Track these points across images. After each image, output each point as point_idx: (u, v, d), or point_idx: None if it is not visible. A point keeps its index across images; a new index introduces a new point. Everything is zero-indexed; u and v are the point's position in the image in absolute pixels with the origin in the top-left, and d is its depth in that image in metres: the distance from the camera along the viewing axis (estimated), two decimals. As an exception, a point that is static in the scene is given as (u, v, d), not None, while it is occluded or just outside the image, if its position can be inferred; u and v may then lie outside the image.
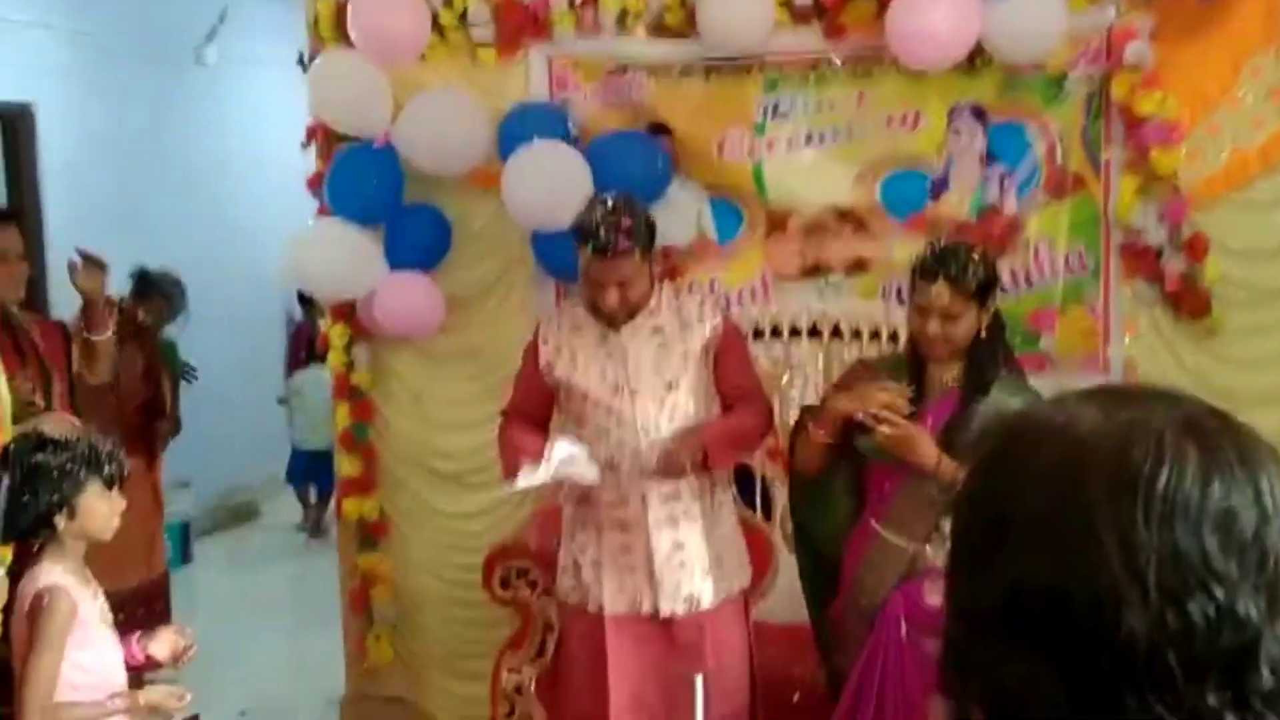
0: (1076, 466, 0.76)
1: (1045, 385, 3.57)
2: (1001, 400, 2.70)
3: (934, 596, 2.70)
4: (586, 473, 2.84)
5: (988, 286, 2.72)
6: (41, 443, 2.49)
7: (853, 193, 3.73)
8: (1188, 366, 3.68)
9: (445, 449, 3.98)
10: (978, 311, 2.72)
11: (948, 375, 2.77)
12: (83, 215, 5.85)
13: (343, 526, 4.11)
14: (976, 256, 2.73)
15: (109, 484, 2.50)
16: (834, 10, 3.61)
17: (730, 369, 2.97)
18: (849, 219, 3.75)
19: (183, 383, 4.88)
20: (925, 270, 2.70)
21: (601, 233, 2.75)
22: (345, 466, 4.04)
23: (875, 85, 3.68)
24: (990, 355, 2.76)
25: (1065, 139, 3.65)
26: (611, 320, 2.89)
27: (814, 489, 2.92)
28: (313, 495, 6.90)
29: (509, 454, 2.97)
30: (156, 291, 4.63)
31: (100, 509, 2.48)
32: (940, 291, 2.67)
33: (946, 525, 2.60)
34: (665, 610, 2.89)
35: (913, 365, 2.80)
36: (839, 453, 2.82)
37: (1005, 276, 3.68)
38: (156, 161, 6.41)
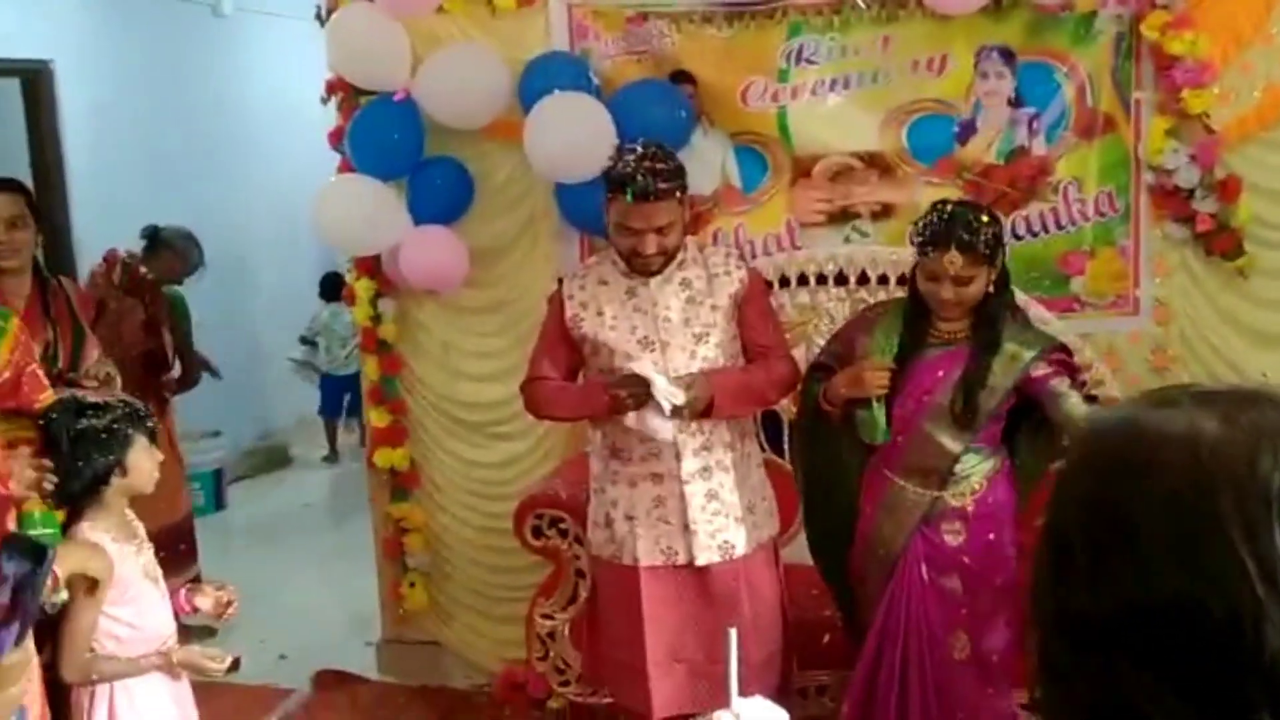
0: (1204, 476, 0.73)
1: (1075, 326, 3.62)
2: (1014, 349, 2.77)
3: (950, 537, 2.83)
4: (661, 427, 2.86)
5: (997, 246, 2.75)
6: (81, 407, 2.53)
7: (879, 138, 3.70)
8: (1219, 307, 3.65)
9: (473, 400, 4.00)
10: (988, 271, 2.75)
11: (954, 326, 2.82)
12: (105, 170, 5.88)
13: (374, 476, 4.15)
14: (985, 218, 2.76)
15: (151, 438, 2.56)
16: (858, -48, 3.55)
17: (754, 322, 2.97)
18: (875, 164, 3.72)
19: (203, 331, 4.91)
20: (936, 238, 2.71)
21: (639, 178, 2.75)
22: (375, 418, 4.07)
23: (901, 29, 3.63)
24: (999, 309, 2.82)
25: (1095, 80, 3.59)
26: (645, 270, 2.88)
27: (823, 436, 2.97)
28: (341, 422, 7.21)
29: (572, 395, 2.96)
30: (165, 247, 4.65)
31: (145, 464, 2.55)
32: (953, 259, 2.70)
33: (960, 467, 2.66)
34: (701, 559, 2.91)
35: (916, 316, 2.83)
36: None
37: (1034, 219, 3.69)
38: (177, 114, 6.40)
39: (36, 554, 1.89)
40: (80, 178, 5.85)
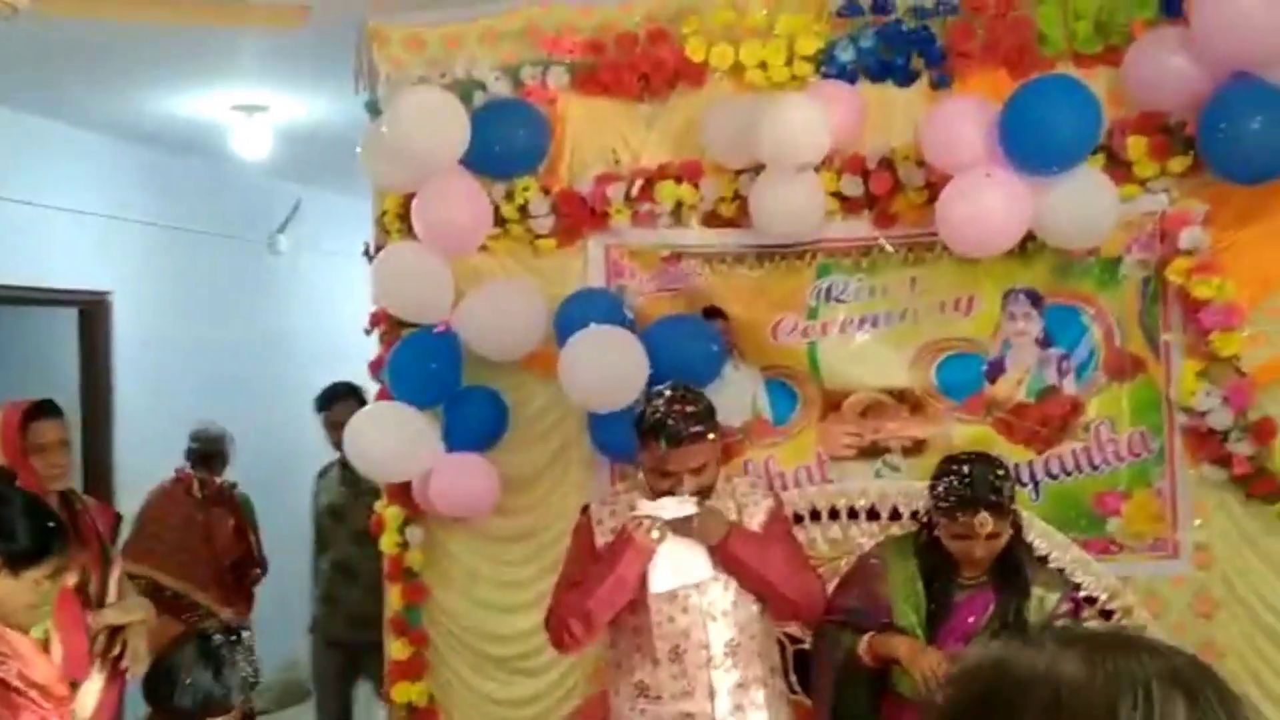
0: (1065, 718, 0.73)
1: (1114, 569, 3.55)
2: (1041, 593, 2.81)
3: None
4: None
5: (1014, 495, 2.83)
6: None
7: (908, 374, 3.73)
8: (1262, 552, 3.57)
9: (498, 632, 3.93)
10: (1011, 520, 2.82)
11: (975, 571, 2.84)
12: (152, 400, 6.02)
13: (392, 713, 4.03)
14: (1002, 471, 2.85)
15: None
16: (884, 199, 3.68)
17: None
18: (905, 400, 3.74)
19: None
20: (964, 502, 2.76)
21: (671, 423, 2.79)
22: (395, 650, 3.99)
23: (928, 270, 3.72)
24: (1021, 553, 2.87)
25: (1122, 322, 3.64)
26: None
27: (861, 685, 2.90)
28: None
29: (598, 569, 2.86)
30: (216, 453, 5.01)
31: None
32: (984, 520, 2.76)
33: None
34: None
35: (942, 565, 2.85)
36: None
37: (1067, 458, 3.67)
38: (226, 346, 6.60)
39: None
40: (127, 407, 5.98)
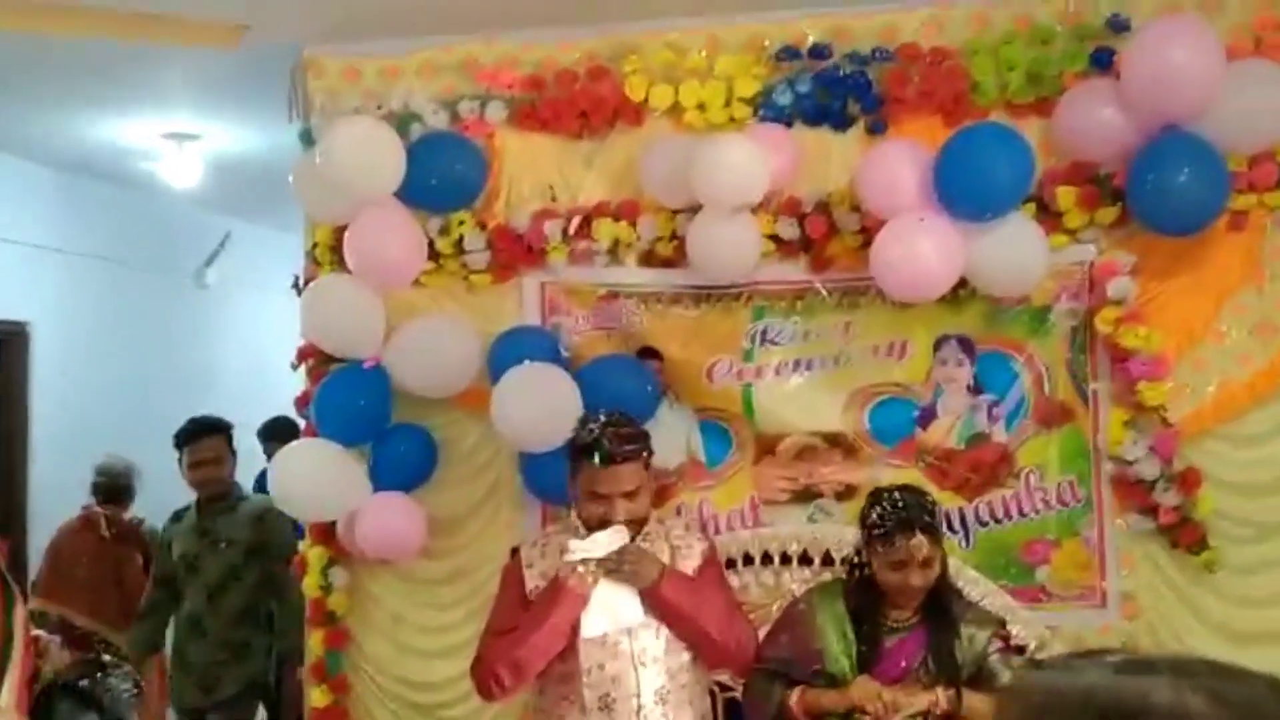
0: None
1: (1043, 618, 3.55)
2: (970, 631, 2.81)
3: None
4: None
5: (942, 522, 2.87)
6: None
7: (841, 419, 3.73)
8: (1188, 602, 3.59)
9: (422, 679, 3.82)
10: (942, 552, 2.82)
11: (904, 614, 2.83)
12: (69, 433, 5.84)
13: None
14: (930, 499, 2.87)
15: None
16: (820, 243, 3.69)
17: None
18: (838, 445, 3.73)
19: None
20: (899, 525, 2.75)
21: (604, 443, 2.76)
22: (316, 697, 3.86)
23: (862, 315, 3.73)
24: (949, 591, 2.88)
25: (1052, 370, 3.67)
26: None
27: None
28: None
29: (531, 617, 2.79)
30: (123, 488, 4.94)
31: None
32: (919, 543, 2.75)
33: None
34: None
35: (869, 607, 2.83)
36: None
37: (997, 505, 3.68)
38: (149, 379, 6.44)
39: None
40: (44, 440, 5.80)
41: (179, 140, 5.45)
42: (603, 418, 2.84)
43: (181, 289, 6.90)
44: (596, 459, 2.75)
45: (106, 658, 2.51)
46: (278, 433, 4.85)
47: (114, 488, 4.92)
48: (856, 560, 2.89)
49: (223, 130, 5.36)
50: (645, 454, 2.84)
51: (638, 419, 3.04)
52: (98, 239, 6.29)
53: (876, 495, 2.87)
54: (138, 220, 6.50)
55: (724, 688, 3.35)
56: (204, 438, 4.58)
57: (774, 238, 3.69)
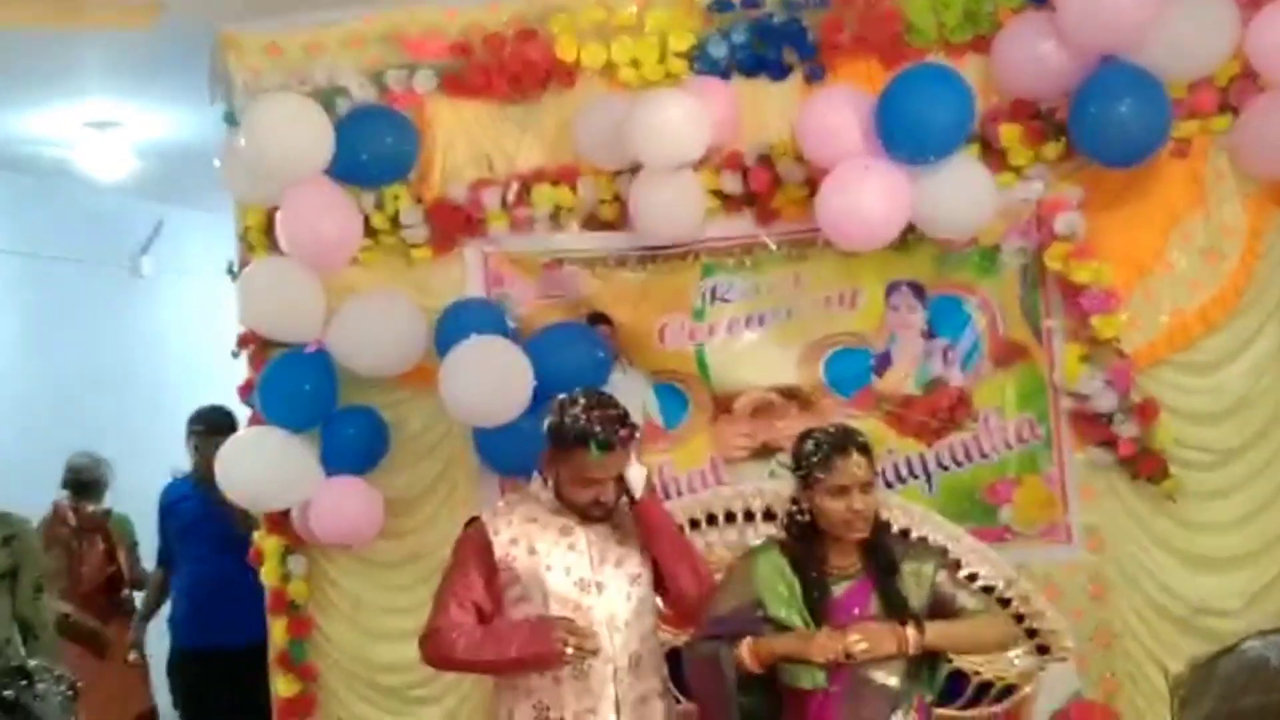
0: None
1: (1009, 557, 3.54)
2: (914, 567, 2.78)
3: None
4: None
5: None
6: None
7: (797, 372, 3.69)
8: (1151, 532, 3.60)
9: (387, 661, 3.77)
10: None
11: (846, 561, 2.79)
12: (19, 435, 5.70)
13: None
14: (857, 429, 2.89)
15: None
16: (764, 196, 3.63)
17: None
18: (795, 398, 3.70)
19: None
20: (834, 448, 2.74)
21: (600, 429, 2.72)
22: (282, 687, 3.81)
23: (811, 266, 3.68)
24: (885, 531, 2.86)
25: (1004, 310, 3.65)
26: (599, 517, 2.82)
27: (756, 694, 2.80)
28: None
29: (518, 632, 2.76)
30: (92, 481, 5.01)
31: None
32: (859, 461, 2.73)
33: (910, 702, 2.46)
34: None
35: (809, 557, 2.79)
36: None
37: (957, 448, 3.66)
38: (88, 373, 6.30)
39: None
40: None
41: (100, 128, 5.29)
42: (583, 400, 2.79)
43: (117, 280, 6.73)
44: (594, 448, 2.71)
45: (32, 662, 2.44)
46: (208, 423, 4.73)
47: (83, 481, 5.02)
48: (793, 509, 2.83)
49: (147, 116, 5.21)
50: (635, 433, 2.83)
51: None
52: (27, 235, 6.12)
53: (804, 434, 2.86)
54: (66, 213, 6.32)
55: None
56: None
57: (718, 193, 3.63)
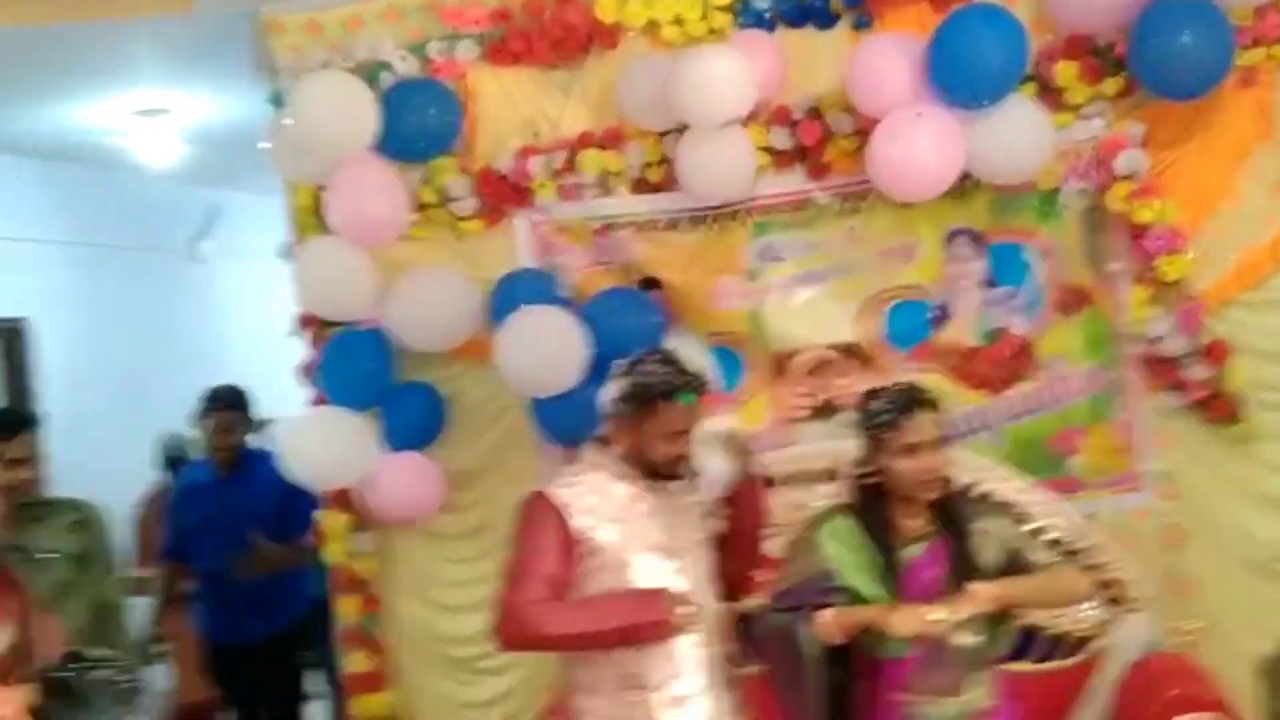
0: None
1: (1079, 508, 3.47)
2: (982, 525, 2.74)
3: None
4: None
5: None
6: None
7: (855, 329, 3.63)
8: (1226, 476, 3.51)
9: (456, 634, 3.79)
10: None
11: (915, 523, 2.75)
12: (81, 421, 5.81)
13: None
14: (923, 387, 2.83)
15: None
16: (815, 150, 3.56)
17: None
18: (854, 355, 3.64)
19: None
20: (904, 405, 2.70)
21: (683, 380, 2.69)
22: (355, 663, 3.85)
23: (865, 219, 3.61)
24: (953, 492, 2.80)
25: (1067, 254, 3.56)
26: (673, 474, 2.74)
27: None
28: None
29: (623, 603, 2.66)
30: (183, 458, 5.29)
31: None
32: (928, 418, 2.71)
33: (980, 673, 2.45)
34: None
35: (880, 524, 2.75)
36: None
37: (1024, 400, 3.59)
38: (153, 360, 6.41)
39: None
40: (58, 429, 5.77)
41: (150, 116, 5.34)
42: (655, 355, 2.76)
43: (175, 266, 6.82)
44: (683, 397, 2.67)
45: (95, 651, 2.46)
46: (226, 400, 4.70)
47: (177, 458, 5.34)
48: (860, 472, 2.79)
49: (194, 102, 5.25)
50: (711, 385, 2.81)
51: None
52: (85, 226, 6.23)
53: (870, 393, 2.82)
54: (121, 202, 6.42)
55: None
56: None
57: (767, 150, 3.57)
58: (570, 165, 3.69)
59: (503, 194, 3.72)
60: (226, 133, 5.64)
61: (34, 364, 5.84)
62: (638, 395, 2.71)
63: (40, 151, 5.76)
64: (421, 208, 3.74)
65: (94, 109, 5.22)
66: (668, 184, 3.65)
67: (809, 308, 3.67)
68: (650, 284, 3.70)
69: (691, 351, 2.88)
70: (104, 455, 5.51)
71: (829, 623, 2.67)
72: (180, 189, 6.75)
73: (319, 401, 3.83)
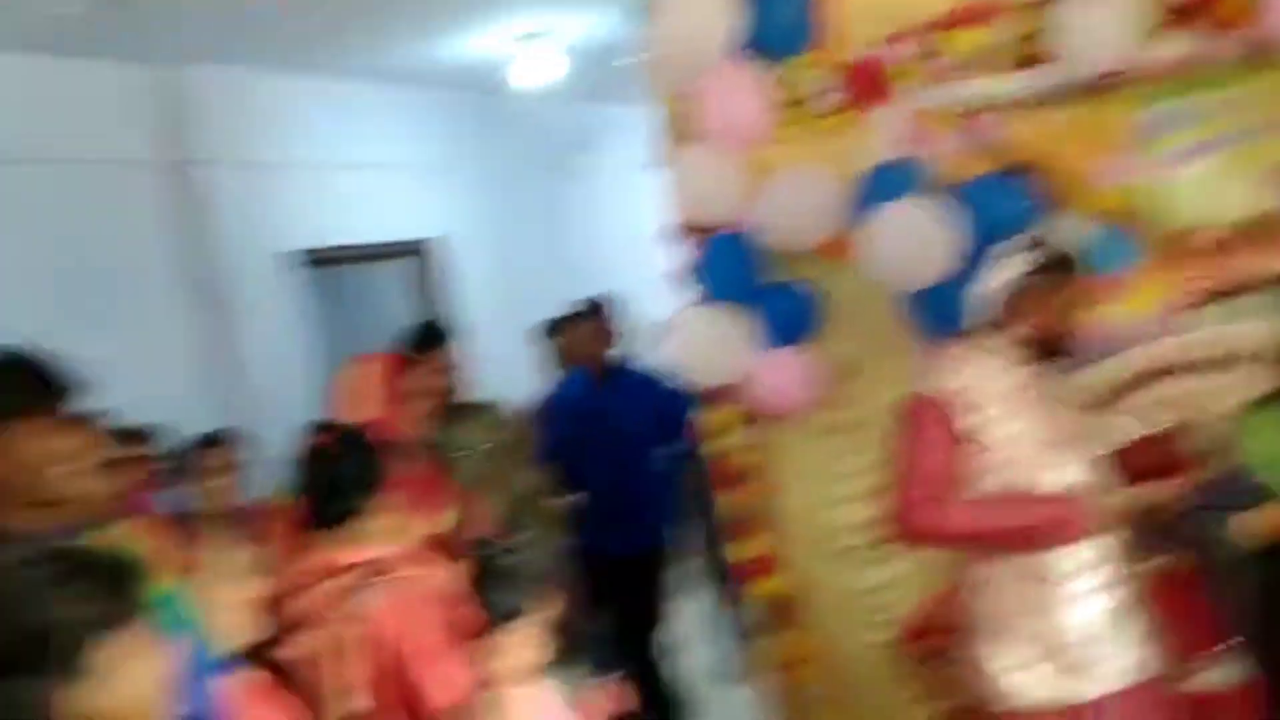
0: None
1: None
2: None
3: None
4: None
5: None
6: None
7: (1259, 201, 3.32)
8: None
9: (840, 524, 3.88)
10: None
11: None
12: (497, 322, 6.32)
13: (749, 611, 4.09)
14: None
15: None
16: (1209, 5, 3.24)
17: None
18: (1260, 230, 3.33)
19: None
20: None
21: (1071, 252, 2.67)
22: (743, 550, 4.03)
23: (1269, 80, 3.27)
24: None
25: None
26: (1060, 352, 2.70)
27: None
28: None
29: (1033, 504, 2.64)
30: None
31: None
32: None
33: None
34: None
35: None
36: None
37: None
38: (540, 269, 6.83)
39: None
40: (482, 328, 6.31)
41: (530, 39, 5.64)
42: (1030, 240, 2.72)
43: (560, 181, 7.21)
44: (1078, 266, 2.64)
45: (519, 535, 2.77)
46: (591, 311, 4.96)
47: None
48: None
49: (572, 21, 5.49)
50: None
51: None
52: (476, 149, 6.69)
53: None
54: (502, 122, 6.83)
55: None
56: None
57: (1158, 7, 3.29)
58: (936, 48, 3.57)
59: (867, 85, 3.66)
60: (601, 48, 5.87)
61: (440, 280, 6.39)
62: (1044, 269, 2.64)
63: (429, 81, 6.23)
64: (786, 106, 3.75)
65: (481, 38, 5.58)
66: (1041, 57, 3.45)
67: (1206, 180, 3.38)
68: (1021, 167, 3.54)
69: (1071, 235, 2.76)
70: (504, 350, 5.95)
71: (1255, 522, 2.51)
72: (556, 107, 7.11)
73: (696, 302, 3.98)
